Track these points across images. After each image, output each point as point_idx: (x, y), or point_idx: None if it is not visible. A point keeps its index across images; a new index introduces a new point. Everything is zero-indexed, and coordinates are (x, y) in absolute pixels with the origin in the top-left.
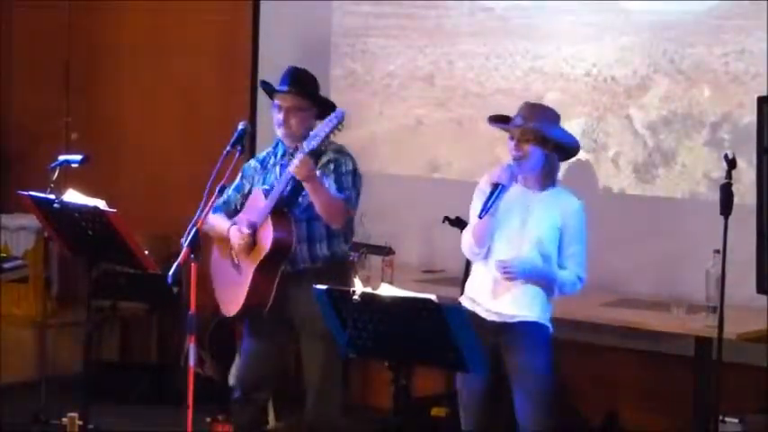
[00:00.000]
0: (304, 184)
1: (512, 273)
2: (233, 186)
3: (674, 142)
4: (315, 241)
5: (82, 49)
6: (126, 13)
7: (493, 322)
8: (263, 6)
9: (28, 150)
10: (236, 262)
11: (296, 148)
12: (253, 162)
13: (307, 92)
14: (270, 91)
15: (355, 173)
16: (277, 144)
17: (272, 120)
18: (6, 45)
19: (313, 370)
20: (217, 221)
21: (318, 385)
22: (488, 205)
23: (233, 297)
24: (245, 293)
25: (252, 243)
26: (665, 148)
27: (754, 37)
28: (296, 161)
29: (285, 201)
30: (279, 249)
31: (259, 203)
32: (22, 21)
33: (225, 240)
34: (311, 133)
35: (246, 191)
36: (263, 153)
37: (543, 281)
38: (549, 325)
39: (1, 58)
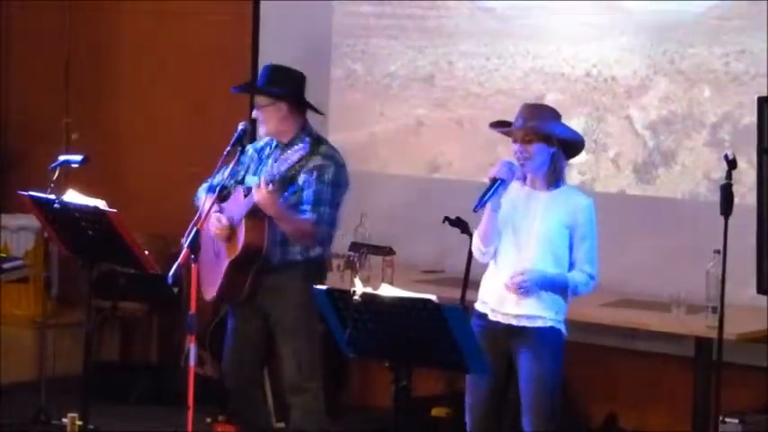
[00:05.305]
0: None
1: (525, 285)
2: (229, 170)
3: (674, 143)
4: (288, 244)
5: (82, 49)
6: (126, 14)
7: (504, 325)
8: (264, 6)
9: (28, 150)
10: (216, 248)
11: (288, 143)
12: (250, 150)
13: (263, 88)
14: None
15: (337, 184)
16: None
17: None
18: (6, 45)
19: (294, 368)
20: (208, 203)
21: (302, 385)
22: (484, 199)
23: (211, 281)
24: (219, 284)
25: (231, 235)
26: (665, 148)
27: (755, 37)
28: (255, 188)
29: None
30: (249, 253)
31: (239, 200)
32: (22, 21)
33: None
34: (281, 157)
35: (240, 177)
36: (262, 142)
37: (557, 287)
38: (563, 327)
39: (1, 58)
